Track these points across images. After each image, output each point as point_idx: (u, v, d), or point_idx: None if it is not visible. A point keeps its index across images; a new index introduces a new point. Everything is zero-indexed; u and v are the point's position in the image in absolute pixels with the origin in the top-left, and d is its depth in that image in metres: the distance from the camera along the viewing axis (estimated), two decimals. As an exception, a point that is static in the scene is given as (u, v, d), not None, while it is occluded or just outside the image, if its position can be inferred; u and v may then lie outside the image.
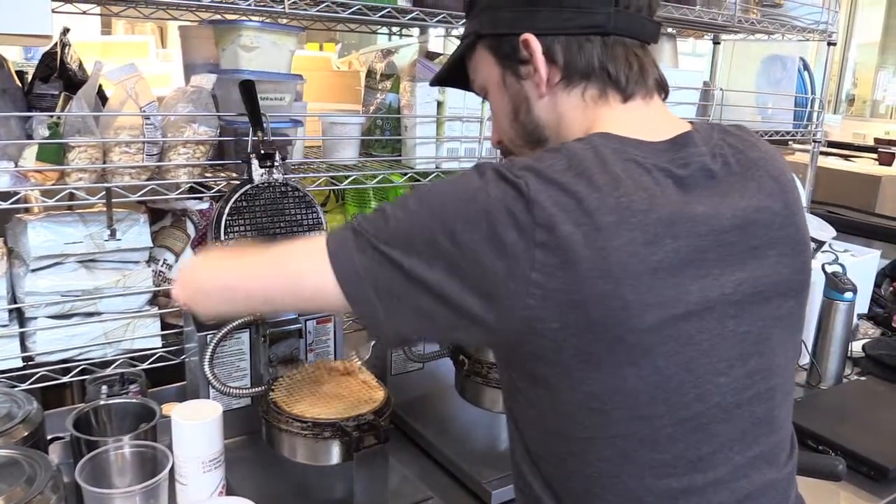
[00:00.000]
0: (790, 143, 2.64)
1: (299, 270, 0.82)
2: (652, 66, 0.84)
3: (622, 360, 0.72)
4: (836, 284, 1.74)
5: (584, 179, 0.72)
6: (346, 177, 1.44)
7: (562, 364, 0.74)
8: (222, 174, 1.35)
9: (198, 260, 0.92)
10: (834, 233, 1.91)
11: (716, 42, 2.52)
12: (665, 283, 0.72)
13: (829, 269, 1.83)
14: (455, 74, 0.96)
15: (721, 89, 2.12)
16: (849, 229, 2.51)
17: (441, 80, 1.01)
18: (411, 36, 2.03)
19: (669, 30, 2.25)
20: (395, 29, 1.95)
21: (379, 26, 1.75)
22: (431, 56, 1.91)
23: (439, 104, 1.51)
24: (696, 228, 0.74)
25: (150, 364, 1.34)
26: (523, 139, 0.88)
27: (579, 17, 0.79)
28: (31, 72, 1.37)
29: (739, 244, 0.78)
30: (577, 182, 0.71)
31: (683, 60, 3.06)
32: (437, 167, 1.53)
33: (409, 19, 1.45)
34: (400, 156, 1.56)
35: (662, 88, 0.86)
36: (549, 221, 0.69)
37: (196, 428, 1.08)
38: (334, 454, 1.11)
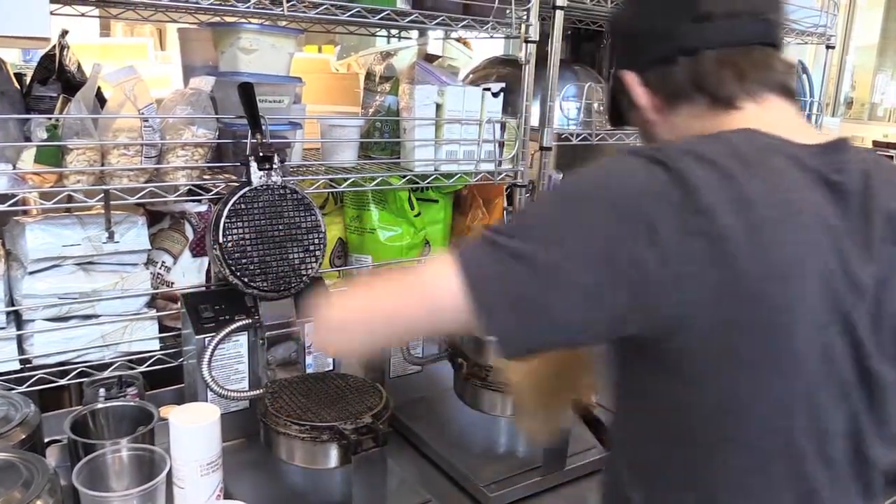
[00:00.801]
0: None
1: (430, 283, 0.77)
2: (760, 69, 0.79)
3: (771, 366, 0.69)
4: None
5: (745, 168, 0.69)
6: (345, 179, 1.44)
7: (706, 362, 0.69)
8: (221, 176, 1.34)
9: (331, 302, 0.88)
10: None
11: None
12: (826, 287, 0.68)
13: None
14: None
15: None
16: None
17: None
18: (410, 38, 2.03)
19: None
20: (394, 31, 1.95)
21: (378, 28, 1.75)
22: (430, 58, 1.91)
23: (438, 106, 1.50)
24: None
25: (148, 367, 1.34)
26: None
27: (661, 43, 0.81)
28: (29, 74, 1.37)
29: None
30: (740, 170, 0.68)
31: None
32: (435, 169, 1.53)
33: (408, 21, 1.45)
34: (399, 158, 1.55)
35: (785, 90, 0.82)
36: (709, 210, 0.66)
37: (193, 431, 1.08)
38: (332, 457, 1.11)
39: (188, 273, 1.42)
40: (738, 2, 0.80)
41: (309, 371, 1.36)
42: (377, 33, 2.02)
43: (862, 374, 0.72)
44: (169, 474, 1.04)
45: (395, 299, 0.80)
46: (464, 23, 1.53)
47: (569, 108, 1.83)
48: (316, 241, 1.31)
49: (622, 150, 0.75)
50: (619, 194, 0.69)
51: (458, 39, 2.16)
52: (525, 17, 1.57)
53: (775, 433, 0.71)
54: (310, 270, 1.31)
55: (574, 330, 0.72)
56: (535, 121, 1.72)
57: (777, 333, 0.68)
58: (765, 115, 0.79)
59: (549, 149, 1.70)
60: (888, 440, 0.76)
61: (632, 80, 0.85)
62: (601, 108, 1.91)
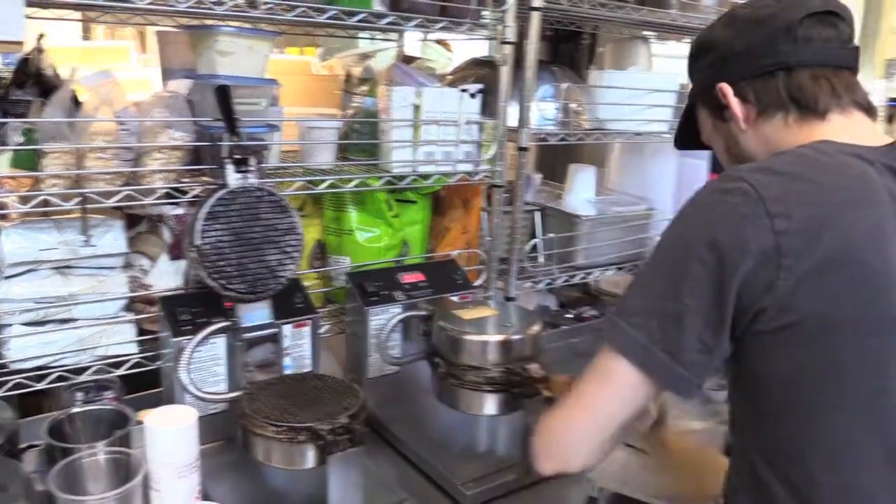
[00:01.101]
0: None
1: (607, 374, 0.88)
2: (848, 88, 0.93)
3: (869, 330, 0.80)
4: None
5: (814, 166, 0.83)
6: (323, 181, 1.44)
7: (811, 331, 0.80)
8: (198, 179, 1.35)
9: (542, 429, 0.96)
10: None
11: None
12: None
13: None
14: (689, 135, 1.12)
15: (697, 92, 2.14)
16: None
17: (678, 142, 1.17)
18: (392, 40, 2.04)
19: (644, 33, 2.27)
20: (375, 32, 1.96)
21: (356, 31, 1.76)
22: (408, 60, 1.92)
23: (416, 108, 1.51)
24: None
25: (125, 370, 1.34)
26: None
27: (762, 59, 0.93)
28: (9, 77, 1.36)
29: None
30: (808, 169, 0.83)
31: (665, 63, 3.08)
32: (413, 170, 1.53)
33: (385, 23, 1.46)
34: (377, 160, 1.56)
35: (867, 108, 0.95)
36: (785, 209, 0.79)
37: (169, 434, 1.08)
38: (309, 458, 1.11)
39: (166, 276, 1.42)
40: (833, 30, 0.92)
41: (287, 372, 1.36)
42: (357, 35, 2.02)
43: None
44: (146, 477, 1.05)
45: (595, 405, 0.90)
46: (441, 24, 1.53)
47: (546, 108, 1.84)
48: (293, 242, 1.32)
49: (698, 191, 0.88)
50: (700, 227, 0.84)
51: (438, 41, 2.17)
52: (501, 19, 1.58)
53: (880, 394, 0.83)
54: (287, 272, 1.32)
55: (720, 353, 0.85)
56: (513, 121, 1.73)
57: (872, 295, 0.80)
58: (850, 126, 0.91)
59: (526, 149, 1.71)
60: None
61: (728, 91, 0.96)
62: (579, 107, 1.92)
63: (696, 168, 2.36)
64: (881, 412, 0.83)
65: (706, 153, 2.36)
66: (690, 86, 1.08)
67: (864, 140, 0.89)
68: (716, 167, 2.40)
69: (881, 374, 0.82)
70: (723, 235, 0.80)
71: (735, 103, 0.96)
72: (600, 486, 1.24)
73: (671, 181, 2.31)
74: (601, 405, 0.90)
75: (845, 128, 0.91)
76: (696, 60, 1.04)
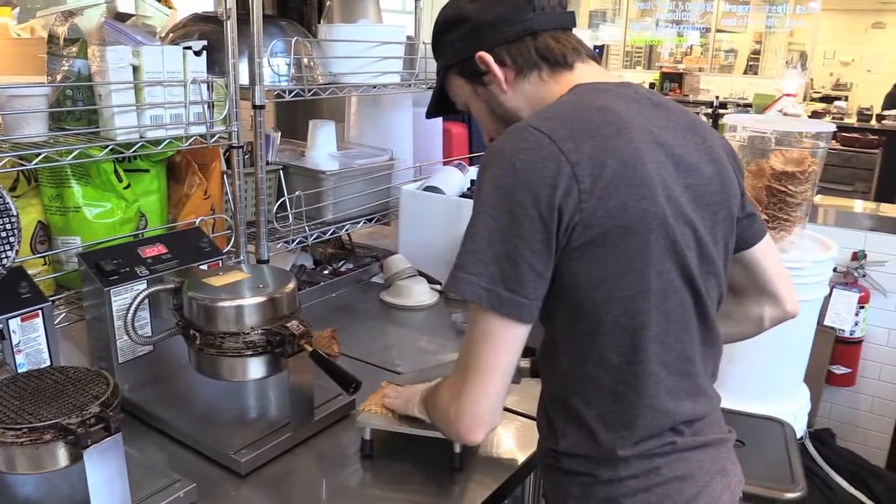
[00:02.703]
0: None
1: (485, 333, 0.96)
2: (578, 45, 1.09)
3: (645, 229, 0.95)
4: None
5: (582, 109, 0.99)
6: (36, 155, 1.29)
7: (608, 240, 0.93)
8: None
9: (460, 404, 1.00)
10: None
11: (417, -2, 2.62)
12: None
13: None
14: (442, 104, 1.21)
15: (424, 42, 2.22)
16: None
17: (433, 112, 1.25)
18: (99, -5, 1.85)
19: (371, -14, 2.30)
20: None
21: (54, -15, 1.58)
22: (122, 17, 1.77)
23: (135, 69, 1.40)
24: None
25: None
26: (505, 127, 1.07)
27: (511, 27, 1.06)
28: None
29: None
30: (580, 112, 0.98)
31: (393, 18, 3.15)
32: (140, 136, 1.43)
33: (87, -23, 1.32)
34: (97, 127, 1.43)
35: (594, 58, 1.12)
36: (573, 145, 0.92)
37: None
38: (60, 457, 1.02)
39: None
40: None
41: (21, 371, 1.23)
42: (57, -9, 1.82)
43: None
44: None
45: (496, 369, 0.97)
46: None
47: (278, 64, 1.80)
48: (8, 226, 1.18)
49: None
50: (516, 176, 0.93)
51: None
52: (221, -29, 1.51)
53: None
54: (5, 260, 1.18)
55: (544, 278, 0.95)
56: (245, 79, 1.68)
57: (646, 204, 0.94)
58: (593, 72, 1.09)
59: (262, 107, 1.67)
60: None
61: (489, 58, 1.07)
62: (311, 62, 1.91)
63: (431, 116, 2.47)
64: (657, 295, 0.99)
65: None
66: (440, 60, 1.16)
67: (601, 78, 1.07)
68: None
69: (654, 261, 0.97)
70: (531, 176, 0.91)
71: (496, 69, 1.07)
72: (372, 428, 1.29)
73: (409, 131, 2.40)
74: (500, 361, 0.97)
75: (590, 73, 1.08)
76: (446, 34, 1.13)
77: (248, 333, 1.26)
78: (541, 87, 1.08)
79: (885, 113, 7.27)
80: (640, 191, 0.94)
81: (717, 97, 8.33)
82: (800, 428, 2.46)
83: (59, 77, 1.48)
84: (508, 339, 0.96)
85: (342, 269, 2.29)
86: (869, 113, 7.34)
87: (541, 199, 0.90)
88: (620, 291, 0.95)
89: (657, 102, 1.07)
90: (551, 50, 1.07)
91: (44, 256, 1.48)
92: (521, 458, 1.32)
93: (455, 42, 1.11)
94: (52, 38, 1.51)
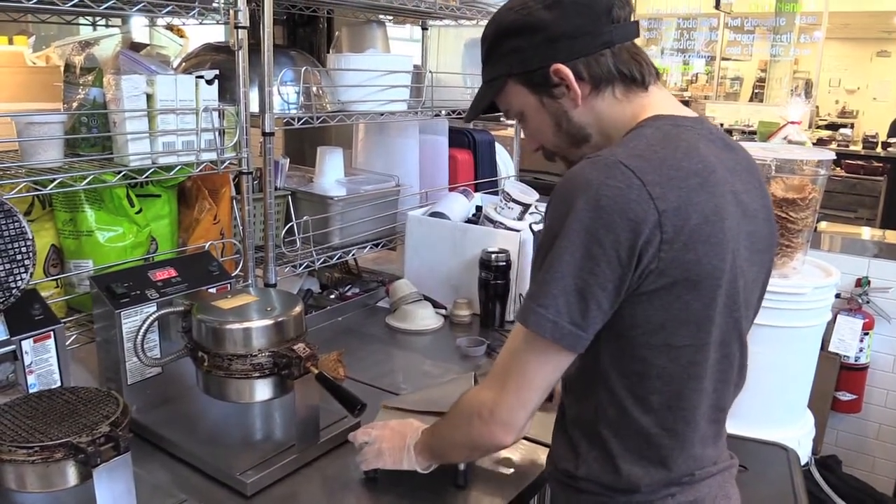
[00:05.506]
0: (501, 119, 2.89)
1: (538, 353, 0.98)
2: (650, 60, 1.05)
3: (711, 285, 0.95)
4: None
5: (670, 150, 0.95)
6: (52, 180, 1.33)
7: (674, 290, 0.94)
8: None
9: (497, 412, 1.02)
10: (537, 196, 2.15)
11: (424, 28, 2.67)
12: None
13: (536, 227, 2.05)
14: (485, 108, 1.14)
15: (431, 72, 2.26)
16: (549, 192, 2.82)
17: (475, 116, 1.19)
18: (116, 26, 1.91)
19: (380, 16, 2.35)
20: (96, 18, 1.82)
21: (71, 16, 1.63)
22: (137, 47, 1.82)
23: (149, 97, 1.44)
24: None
25: None
26: (568, 143, 1.09)
27: (590, 40, 1.01)
28: None
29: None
30: (668, 155, 0.94)
31: (402, 46, 3.20)
32: (153, 162, 1.47)
33: (104, 8, 1.37)
34: (111, 154, 1.47)
35: (659, 75, 1.08)
36: (661, 191, 0.90)
37: None
38: (70, 476, 1.04)
39: None
40: (628, 9, 1.03)
41: (33, 391, 1.25)
42: (74, 21, 1.87)
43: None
44: None
45: (537, 386, 0.99)
46: (168, 9, 1.47)
47: (288, 92, 1.84)
48: (23, 250, 1.21)
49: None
50: (599, 214, 0.90)
51: (170, 27, 2.07)
52: (234, 2, 1.55)
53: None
54: (20, 282, 1.20)
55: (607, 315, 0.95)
56: (255, 107, 1.71)
57: (716, 261, 0.94)
58: (665, 97, 1.05)
59: (271, 134, 1.70)
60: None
61: (567, 71, 1.02)
62: (320, 91, 1.95)
63: (437, 143, 2.51)
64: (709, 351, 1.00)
65: (445, 130, 2.52)
66: (495, 67, 1.09)
67: (678, 111, 1.04)
68: (456, 143, 2.57)
69: (717, 316, 0.97)
70: (616, 216, 0.88)
71: (574, 83, 1.02)
72: None
73: (415, 157, 2.44)
74: (544, 381, 0.98)
75: (663, 99, 1.05)
76: (510, 39, 1.05)
77: (255, 356, 1.28)
78: (614, 105, 1.04)
79: (891, 140, 7.28)
80: (714, 249, 0.93)
81: (721, 124, 8.38)
82: (804, 454, 2.46)
83: (74, 105, 1.52)
84: (558, 364, 0.98)
85: (348, 293, 2.32)
86: (874, 140, 7.35)
87: (622, 241, 0.89)
88: (678, 341, 0.96)
89: (726, 143, 1.05)
90: (629, 66, 1.03)
91: (56, 279, 1.52)
92: (526, 478, 1.34)
93: (524, 50, 1.04)
94: (68, 67, 1.56)
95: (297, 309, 1.36)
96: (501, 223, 2.10)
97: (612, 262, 0.89)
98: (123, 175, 1.43)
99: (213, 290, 1.52)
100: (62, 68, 1.61)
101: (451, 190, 2.46)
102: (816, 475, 2.67)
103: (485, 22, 1.13)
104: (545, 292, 0.93)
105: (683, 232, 0.90)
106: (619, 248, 0.89)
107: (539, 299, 0.93)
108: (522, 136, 1.17)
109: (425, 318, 2.10)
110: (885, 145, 7.23)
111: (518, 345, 0.99)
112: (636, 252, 0.89)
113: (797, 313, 2.27)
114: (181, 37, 2.10)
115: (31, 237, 1.22)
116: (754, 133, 7.14)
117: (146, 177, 1.47)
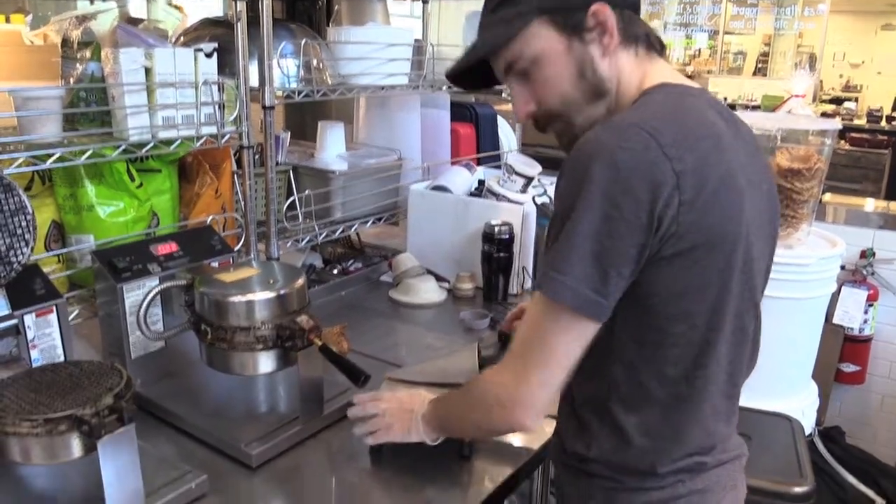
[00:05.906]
0: (504, 93, 2.87)
1: (560, 325, 0.94)
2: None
3: (728, 248, 0.94)
4: (546, 212, 1.95)
5: (682, 115, 0.93)
6: (50, 155, 1.32)
7: (693, 254, 0.92)
8: None
9: (522, 392, 0.98)
10: (540, 168, 2.13)
11: (424, 1, 2.64)
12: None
13: (539, 199, 2.04)
14: (474, 75, 1.10)
15: (432, 45, 2.24)
16: (552, 165, 2.80)
17: (464, 74, 1.12)
18: (110, 1, 1.89)
19: (379, -12, 2.33)
20: (89, -7, 1.80)
21: (68, -10, 1.61)
22: (134, 21, 1.80)
23: (147, 70, 1.43)
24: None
25: None
26: (585, 96, 1.02)
27: None
28: None
29: None
30: (682, 118, 0.93)
31: (401, 21, 3.17)
32: (153, 136, 1.46)
33: (100, -19, 1.35)
34: (110, 128, 1.46)
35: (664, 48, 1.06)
36: (677, 152, 0.88)
37: None
38: (74, 448, 1.04)
39: None
40: None
41: (36, 365, 1.25)
42: (70, -3, 1.85)
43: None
44: None
45: (562, 361, 0.95)
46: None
47: (288, 66, 1.83)
48: (24, 224, 1.20)
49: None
50: (617, 177, 0.88)
51: (168, 2, 2.04)
52: (231, -26, 1.53)
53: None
54: (20, 257, 1.20)
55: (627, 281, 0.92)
56: (255, 81, 1.70)
57: (733, 222, 0.93)
58: (667, 69, 1.04)
59: (272, 108, 1.69)
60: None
61: (609, 14, 0.98)
62: (321, 64, 1.94)
63: (439, 117, 2.49)
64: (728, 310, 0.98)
65: (447, 104, 2.50)
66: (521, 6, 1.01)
67: (684, 80, 1.03)
68: (458, 116, 2.55)
69: (735, 280, 0.96)
70: (634, 178, 0.85)
71: (613, 26, 0.98)
72: None
73: (417, 131, 2.42)
74: (569, 354, 0.94)
75: (670, 72, 1.03)
76: None
77: (258, 328, 1.28)
78: (632, 64, 1.01)
79: (895, 114, 7.24)
80: (730, 211, 0.92)
81: (725, 99, 8.32)
82: (808, 425, 2.47)
83: (72, 79, 1.51)
84: (580, 335, 0.93)
85: (351, 268, 2.31)
86: (879, 114, 7.30)
87: (641, 204, 0.86)
88: (698, 306, 0.94)
89: (729, 115, 1.03)
90: (648, 29, 1.02)
91: (58, 254, 1.51)
92: (530, 449, 1.34)
93: None
94: (65, 41, 1.54)
95: (300, 281, 1.35)
96: (504, 196, 2.10)
97: (632, 226, 0.86)
98: (123, 150, 1.42)
99: (215, 264, 1.52)
100: (59, 44, 1.59)
101: (453, 164, 2.45)
102: (820, 446, 2.68)
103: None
104: (563, 258, 0.89)
105: (702, 194, 0.88)
106: (639, 211, 0.86)
107: (557, 266, 0.90)
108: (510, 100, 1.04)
109: (428, 292, 2.10)
110: (890, 119, 7.19)
111: (537, 317, 0.95)
112: (655, 215, 0.86)
113: (802, 284, 2.27)
114: (179, 11, 2.08)
115: (30, 211, 1.21)
116: (758, 107, 7.10)
117: (146, 151, 1.46)
